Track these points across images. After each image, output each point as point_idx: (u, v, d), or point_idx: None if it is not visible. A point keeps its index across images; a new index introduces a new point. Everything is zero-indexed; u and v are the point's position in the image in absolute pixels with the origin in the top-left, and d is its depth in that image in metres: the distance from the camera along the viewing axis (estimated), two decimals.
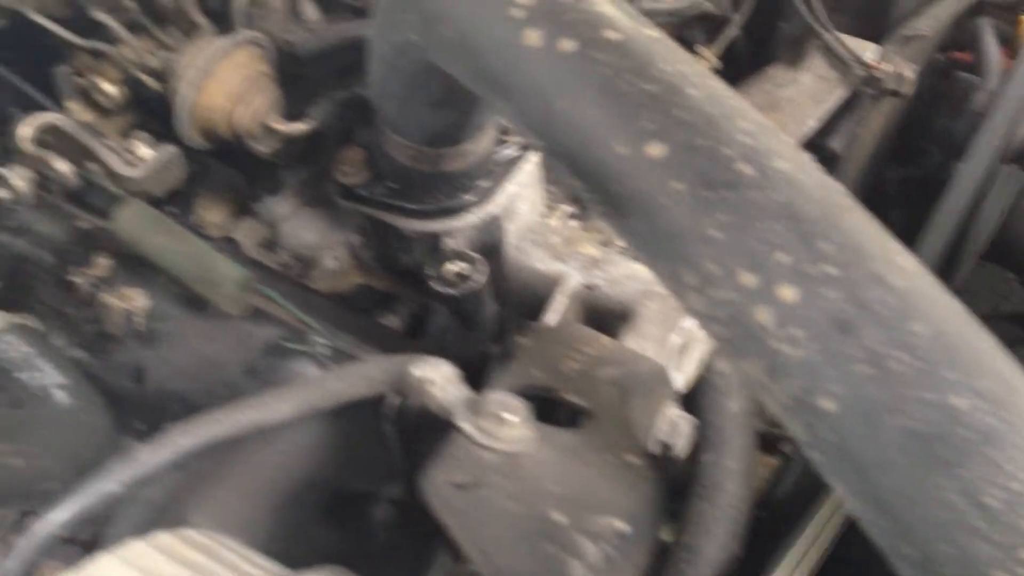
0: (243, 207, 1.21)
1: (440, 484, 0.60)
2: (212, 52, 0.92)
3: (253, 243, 1.19)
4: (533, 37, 0.66)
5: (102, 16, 0.96)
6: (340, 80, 1.11)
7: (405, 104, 0.90)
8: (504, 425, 0.64)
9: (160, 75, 0.99)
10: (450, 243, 1.05)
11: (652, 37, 0.65)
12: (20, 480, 0.64)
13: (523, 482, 0.61)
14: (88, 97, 1.05)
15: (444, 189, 1.02)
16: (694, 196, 0.56)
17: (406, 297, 1.11)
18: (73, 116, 1.05)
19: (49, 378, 0.78)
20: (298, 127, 0.96)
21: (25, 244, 0.97)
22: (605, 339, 0.87)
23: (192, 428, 0.70)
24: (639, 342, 0.92)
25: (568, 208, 1.22)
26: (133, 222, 0.88)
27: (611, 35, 0.64)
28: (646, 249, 0.60)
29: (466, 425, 0.64)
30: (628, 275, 0.96)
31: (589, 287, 0.97)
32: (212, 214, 1.21)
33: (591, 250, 1.00)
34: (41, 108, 1.11)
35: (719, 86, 0.62)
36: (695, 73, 0.62)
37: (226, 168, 1.19)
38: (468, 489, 0.59)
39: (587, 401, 0.75)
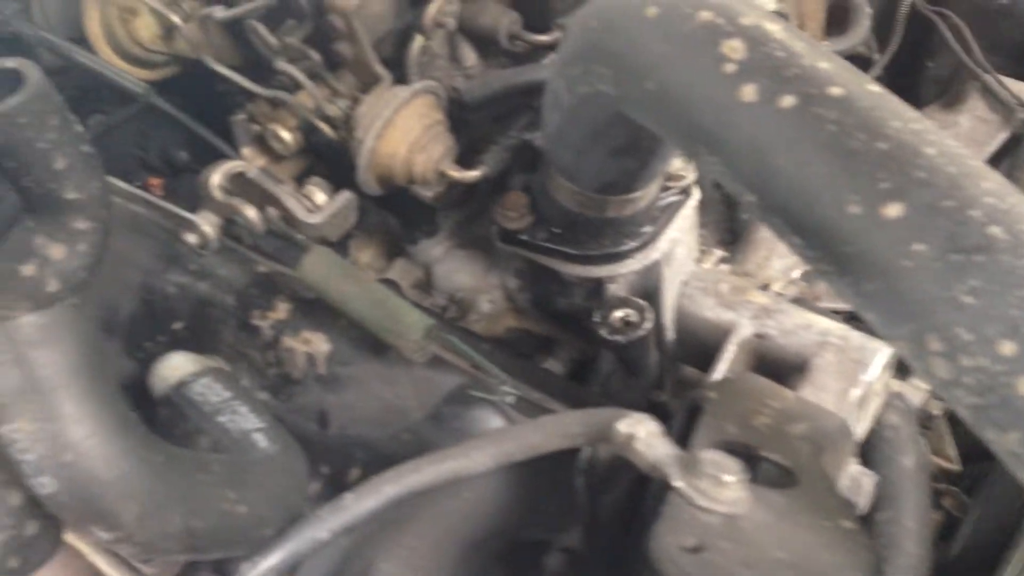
0: (396, 248, 1.24)
1: (670, 548, 0.59)
2: (394, 102, 0.95)
3: (407, 284, 1.22)
4: (749, 92, 0.66)
5: (286, 67, 0.99)
6: (500, 124, 1.13)
7: (584, 153, 0.91)
8: (722, 486, 0.63)
9: (336, 122, 1.02)
10: (614, 289, 1.05)
11: (876, 92, 0.64)
12: (244, 527, 0.66)
13: (748, 547, 0.60)
14: (263, 143, 1.09)
15: (609, 234, 1.02)
16: (941, 259, 0.55)
17: (565, 341, 1.11)
18: (248, 161, 1.09)
19: (249, 422, 0.80)
20: (472, 175, 0.98)
21: (207, 287, 1.00)
22: (788, 392, 0.86)
23: (395, 476, 0.71)
24: (817, 394, 0.90)
25: (719, 252, 1.21)
26: (319, 269, 0.91)
27: (833, 90, 0.63)
28: (879, 311, 0.59)
29: (683, 485, 0.63)
30: (802, 325, 0.95)
31: (760, 336, 0.96)
32: (365, 254, 1.24)
33: (761, 299, 0.98)
34: (213, 151, 1.17)
35: (954, 144, 0.60)
36: (928, 130, 0.61)
37: (381, 210, 1.22)
38: (697, 553, 0.58)
39: (786, 459, 0.74)
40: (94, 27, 1.13)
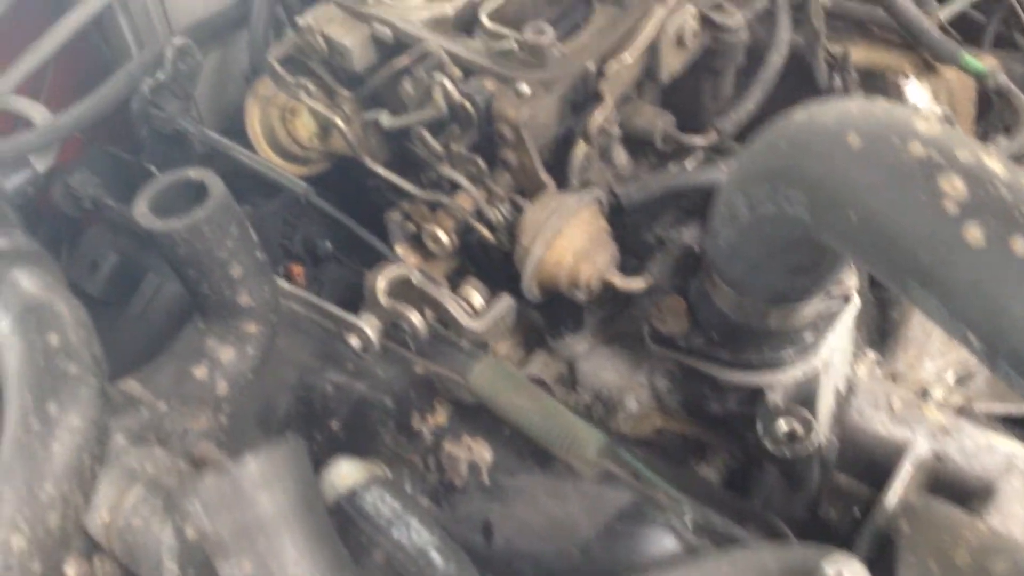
0: (534, 339, 1.23)
1: None
2: (563, 212, 0.95)
3: (550, 378, 1.21)
4: (974, 234, 0.64)
5: (451, 173, 1.00)
6: (650, 225, 1.13)
7: (758, 268, 0.89)
8: None
9: (496, 226, 1.02)
10: (772, 397, 1.03)
11: None
12: None
13: None
14: (417, 241, 1.11)
15: (770, 342, 1.00)
16: None
17: (719, 446, 1.09)
18: (402, 259, 1.10)
19: (422, 537, 0.80)
20: (637, 285, 0.97)
21: (365, 387, 1.01)
22: (980, 523, 0.82)
23: None
24: (1006, 523, 0.86)
25: (873, 355, 1.17)
26: (489, 379, 0.90)
27: None
28: None
29: None
30: (985, 447, 0.91)
31: (939, 457, 0.92)
32: (503, 346, 1.24)
33: (936, 415, 0.95)
34: (357, 243, 1.18)
35: None
36: None
37: (524, 303, 1.22)
38: None
39: None
40: (255, 126, 1.16)
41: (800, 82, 1.28)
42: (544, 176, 0.99)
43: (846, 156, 0.73)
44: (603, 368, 1.17)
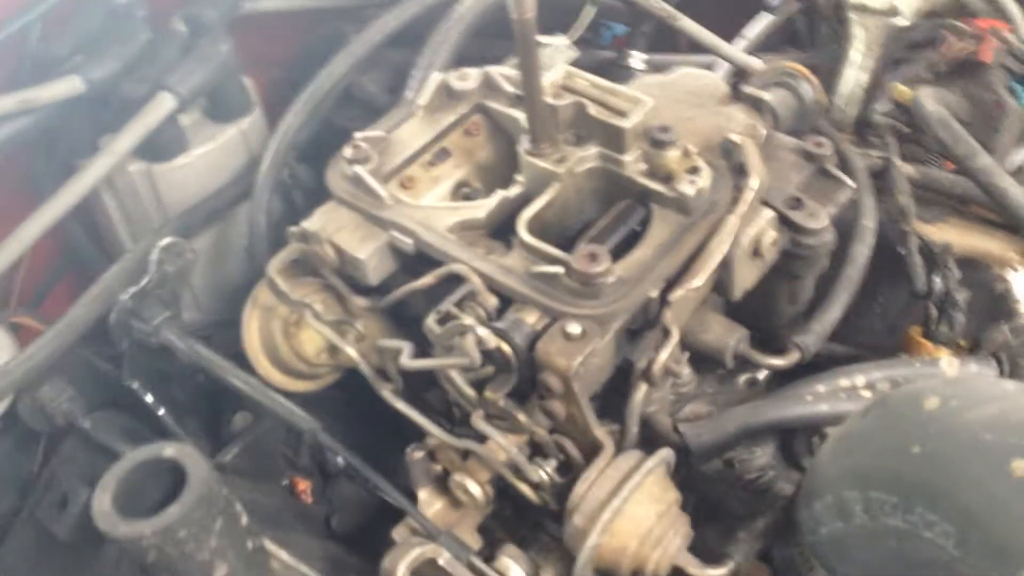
0: None
1: None
2: (623, 487, 0.76)
3: None
4: None
5: (485, 428, 0.83)
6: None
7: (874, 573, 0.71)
8: None
9: (542, 486, 0.84)
10: None
11: None
12: None
13: None
14: (442, 485, 0.92)
15: None
16: None
17: None
18: (424, 505, 0.92)
19: None
20: (717, 573, 0.78)
21: None
22: None
23: None
24: None
25: None
26: None
27: None
28: None
29: None
30: None
31: None
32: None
33: None
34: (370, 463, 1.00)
35: None
36: None
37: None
38: None
39: None
40: (254, 341, 0.99)
41: (888, 275, 1.10)
42: (599, 433, 0.81)
43: (1014, 491, 0.55)
44: None
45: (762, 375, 1.01)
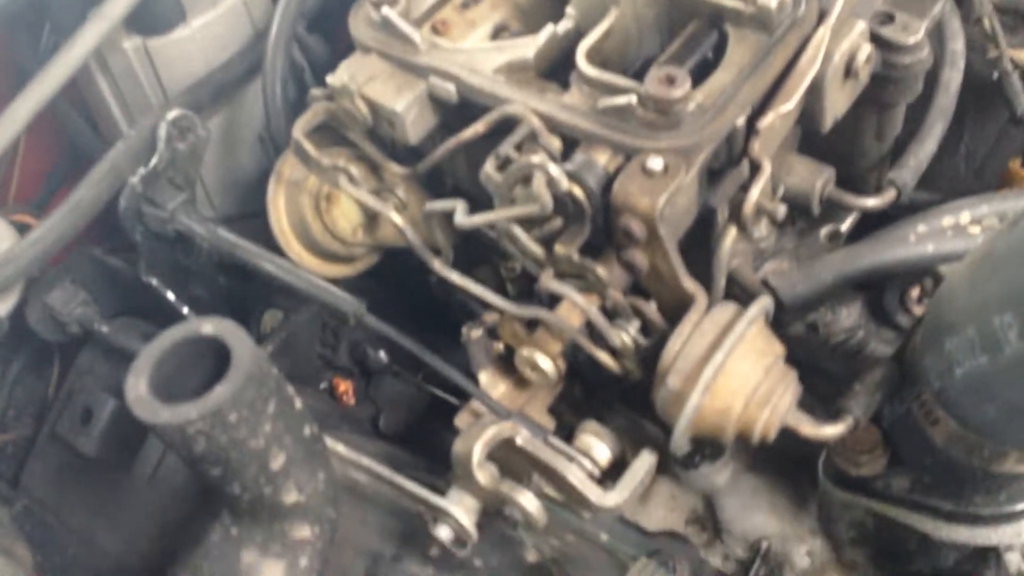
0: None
1: None
2: (725, 340, 0.67)
3: (681, 519, 0.93)
4: None
5: (559, 287, 0.72)
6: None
7: (1017, 411, 0.62)
8: None
9: (620, 351, 0.75)
10: (1015, 560, 0.75)
11: None
12: None
13: None
14: (507, 364, 0.83)
15: (1009, 490, 0.73)
16: None
17: None
18: (487, 387, 0.83)
19: None
20: (835, 431, 0.69)
21: None
22: None
23: None
24: None
25: None
26: None
27: None
28: None
29: None
30: None
31: None
32: None
33: None
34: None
35: None
36: None
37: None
38: None
39: None
40: (281, 220, 0.88)
41: (973, 111, 0.99)
42: (690, 284, 0.71)
43: None
44: (754, 509, 0.90)
45: (844, 226, 0.91)
